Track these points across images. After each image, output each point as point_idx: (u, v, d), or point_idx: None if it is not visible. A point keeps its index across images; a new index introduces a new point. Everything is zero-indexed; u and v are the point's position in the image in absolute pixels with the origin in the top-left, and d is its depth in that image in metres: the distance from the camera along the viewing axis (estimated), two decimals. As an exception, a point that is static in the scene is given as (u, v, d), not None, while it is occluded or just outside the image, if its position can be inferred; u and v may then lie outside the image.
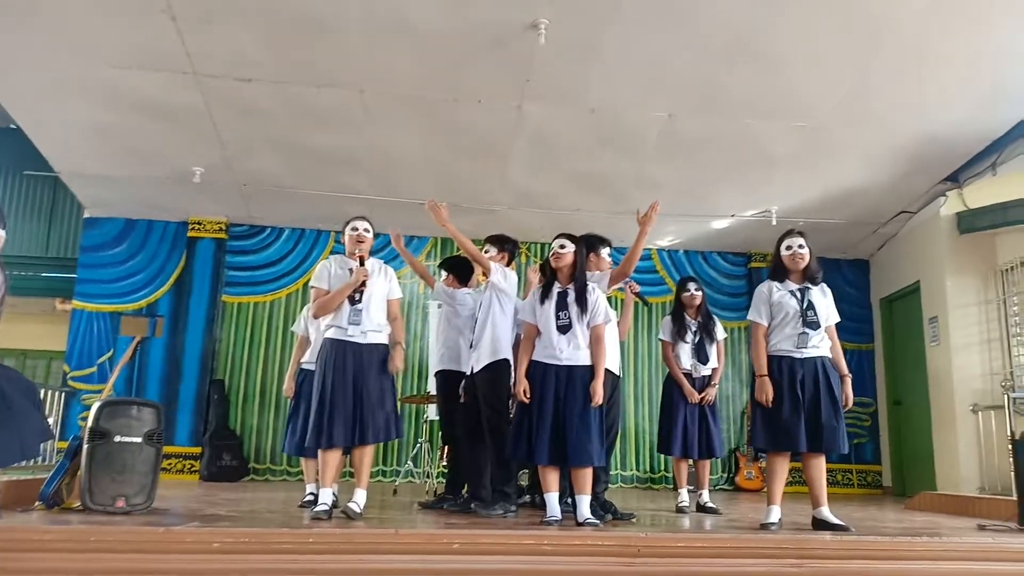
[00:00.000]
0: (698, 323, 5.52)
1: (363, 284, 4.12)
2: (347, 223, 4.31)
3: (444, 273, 5.41)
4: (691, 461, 5.49)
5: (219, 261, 8.65)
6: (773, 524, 3.95)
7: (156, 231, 8.67)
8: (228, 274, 8.74)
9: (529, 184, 7.71)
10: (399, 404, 7.84)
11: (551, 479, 3.95)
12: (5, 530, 2.89)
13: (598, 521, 3.84)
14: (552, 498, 3.93)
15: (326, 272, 4.23)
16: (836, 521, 3.91)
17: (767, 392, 4.05)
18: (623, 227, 8.21)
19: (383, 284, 4.25)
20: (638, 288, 5.11)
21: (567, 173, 7.49)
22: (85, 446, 4.02)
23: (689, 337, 5.46)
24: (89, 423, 4.07)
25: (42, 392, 5.94)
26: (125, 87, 6.12)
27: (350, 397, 3.99)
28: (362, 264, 4.14)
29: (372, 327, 4.13)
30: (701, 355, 5.44)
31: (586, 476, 3.91)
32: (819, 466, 4.05)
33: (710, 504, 5.30)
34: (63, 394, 8.11)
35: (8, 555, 2.68)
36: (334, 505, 4.04)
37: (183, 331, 8.42)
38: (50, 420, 5.56)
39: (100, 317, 8.39)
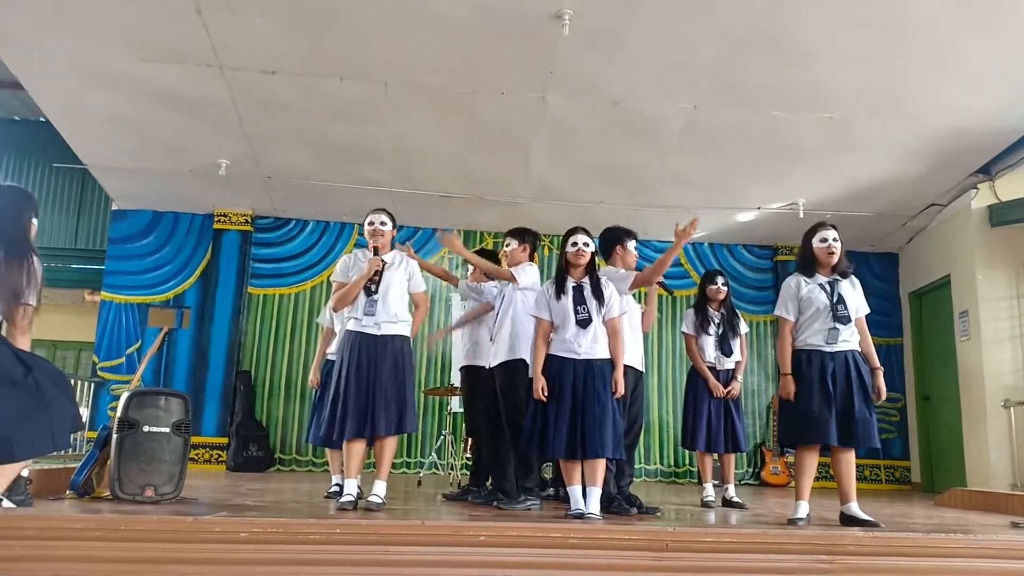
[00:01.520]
0: (721, 316, 5.47)
1: (377, 275, 4.10)
2: (366, 216, 4.30)
3: (471, 267, 5.40)
4: (716, 455, 5.45)
5: (245, 253, 8.72)
6: (801, 520, 3.91)
7: (183, 223, 8.75)
8: (253, 266, 8.80)
9: (552, 176, 7.67)
10: (420, 396, 7.92)
11: (573, 472, 3.93)
12: (38, 518, 2.93)
13: (600, 516, 3.81)
14: (575, 491, 3.91)
15: (347, 266, 4.23)
16: (865, 517, 3.86)
17: (790, 390, 4.02)
18: (647, 220, 8.21)
19: (402, 276, 4.21)
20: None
21: (590, 165, 7.45)
22: (114, 436, 4.08)
23: (712, 330, 5.42)
24: (118, 413, 4.13)
25: (72, 383, 6.03)
26: (152, 80, 6.17)
27: (363, 389, 3.98)
28: (376, 254, 4.13)
29: (387, 318, 4.10)
30: (725, 348, 5.39)
31: (599, 468, 3.88)
32: (849, 461, 3.99)
33: (736, 499, 5.26)
34: (92, 384, 8.23)
35: (41, 543, 2.71)
36: (359, 496, 4.05)
37: (209, 322, 8.51)
38: (81, 411, 5.63)
39: (128, 308, 8.49)
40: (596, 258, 4.24)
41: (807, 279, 4.16)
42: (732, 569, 2.83)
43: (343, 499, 3.94)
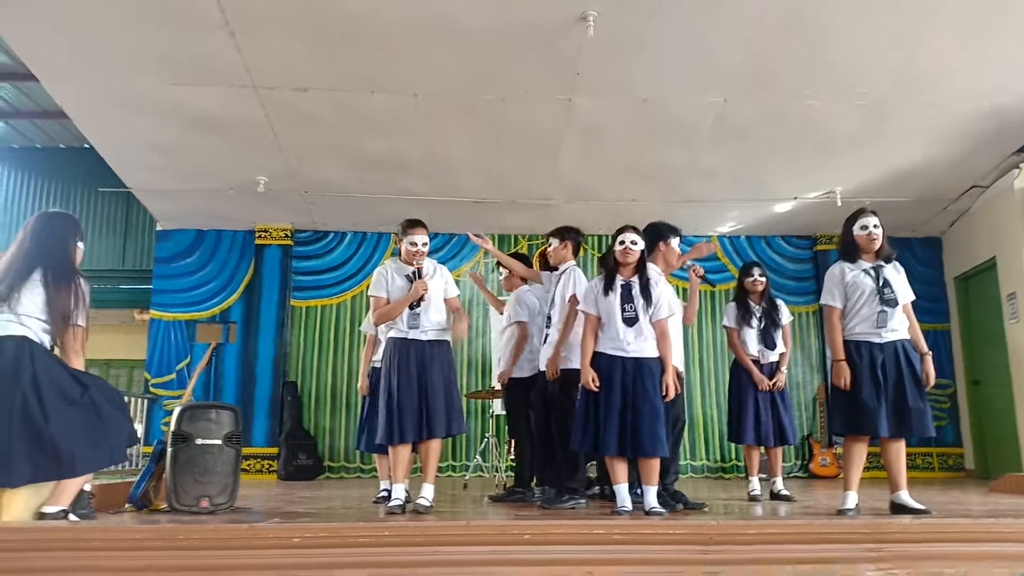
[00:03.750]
0: (762, 308, 5.43)
1: (422, 297, 4.18)
2: (403, 230, 4.29)
3: (503, 272, 5.46)
4: (762, 449, 5.41)
5: (286, 267, 8.90)
6: (850, 510, 3.87)
7: (225, 240, 8.96)
8: (295, 279, 8.97)
9: (583, 177, 7.69)
10: (464, 399, 8.00)
11: (620, 470, 3.95)
12: (103, 530, 3.05)
13: (664, 511, 3.84)
14: (622, 489, 3.94)
15: (383, 280, 4.30)
16: (915, 505, 3.81)
17: (844, 376, 3.96)
18: (681, 216, 8.15)
19: (439, 285, 4.31)
20: (702, 271, 5.03)
21: (621, 165, 7.45)
22: (169, 449, 4.21)
23: (754, 323, 5.37)
24: (171, 427, 4.26)
25: (126, 399, 6.23)
26: (190, 103, 6.34)
27: (415, 393, 4.08)
28: (420, 276, 4.21)
29: (432, 326, 4.22)
30: (768, 340, 5.34)
31: (653, 467, 3.90)
32: (899, 450, 3.94)
33: (784, 491, 5.21)
34: (145, 401, 8.46)
35: (107, 553, 2.83)
36: (407, 500, 4.13)
37: (255, 336, 8.69)
38: (136, 426, 5.81)
39: (176, 326, 8.72)
40: (645, 256, 4.21)
41: (850, 265, 4.12)
42: (778, 560, 2.83)
43: (392, 503, 4.02)
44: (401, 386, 4.08)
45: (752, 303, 5.46)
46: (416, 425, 4.05)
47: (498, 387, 5.76)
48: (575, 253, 4.93)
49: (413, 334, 4.18)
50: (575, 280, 4.67)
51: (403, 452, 4.13)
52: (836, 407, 4.09)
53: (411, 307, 4.18)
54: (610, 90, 6.23)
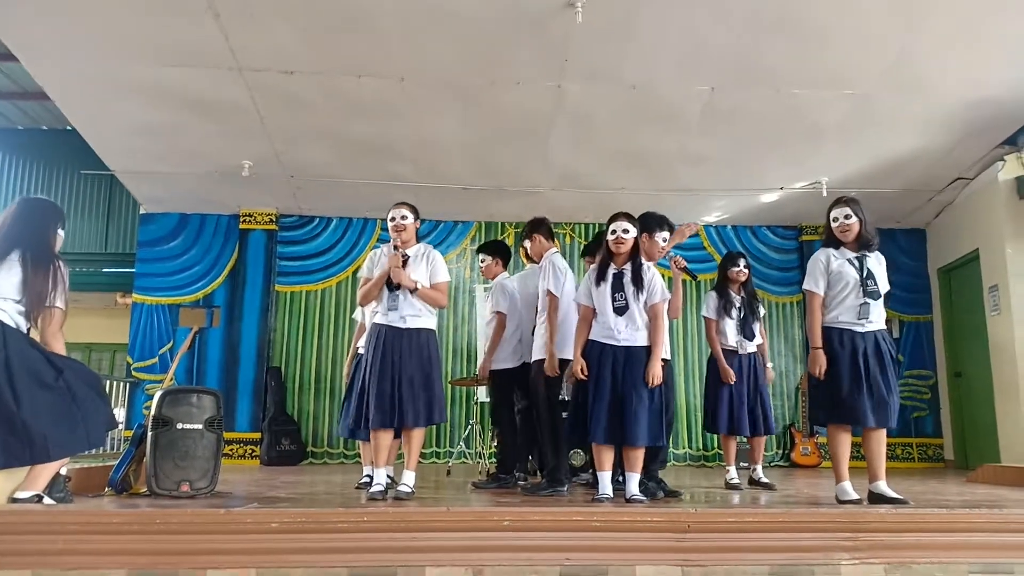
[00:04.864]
0: (742, 298, 5.44)
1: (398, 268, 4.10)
2: (389, 211, 4.31)
3: (487, 257, 5.43)
4: (740, 438, 5.42)
5: (271, 251, 8.84)
6: (856, 499, 3.85)
7: (209, 224, 8.89)
8: (280, 264, 8.92)
9: (571, 164, 7.67)
10: (447, 387, 8.00)
11: (606, 457, 3.98)
12: (79, 513, 3.04)
13: (645, 498, 3.86)
14: (605, 476, 3.96)
15: (371, 262, 4.29)
16: (893, 495, 3.82)
17: (820, 364, 3.96)
18: (669, 205, 8.14)
19: (424, 269, 4.21)
20: (684, 263, 5.00)
21: (609, 152, 7.43)
22: (149, 434, 4.18)
23: (734, 313, 5.38)
24: (152, 412, 4.23)
25: (107, 383, 6.19)
26: (174, 85, 6.27)
27: (388, 381, 4.02)
28: (397, 251, 4.15)
29: (411, 312, 4.12)
30: (747, 331, 5.35)
31: (638, 455, 3.92)
32: (880, 439, 3.94)
33: (764, 479, 5.25)
34: (127, 384, 8.41)
35: (82, 537, 2.82)
36: (389, 486, 4.12)
37: (239, 321, 8.64)
38: (116, 410, 5.78)
39: (159, 310, 8.66)
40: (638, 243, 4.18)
41: (835, 253, 4.11)
42: (754, 548, 2.85)
43: (373, 489, 4.01)
44: (373, 373, 4.04)
45: (732, 293, 5.46)
46: (386, 414, 3.99)
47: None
48: (550, 239, 4.94)
49: (392, 318, 4.11)
50: (551, 271, 4.68)
51: (384, 438, 4.11)
52: (818, 397, 4.08)
53: (391, 288, 4.13)
54: (599, 76, 6.20)
